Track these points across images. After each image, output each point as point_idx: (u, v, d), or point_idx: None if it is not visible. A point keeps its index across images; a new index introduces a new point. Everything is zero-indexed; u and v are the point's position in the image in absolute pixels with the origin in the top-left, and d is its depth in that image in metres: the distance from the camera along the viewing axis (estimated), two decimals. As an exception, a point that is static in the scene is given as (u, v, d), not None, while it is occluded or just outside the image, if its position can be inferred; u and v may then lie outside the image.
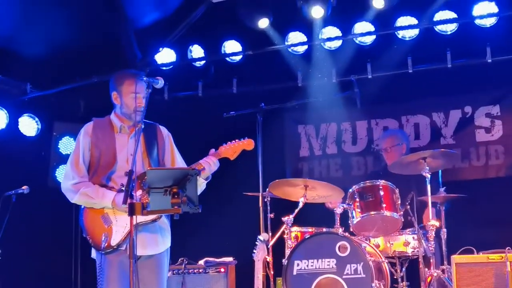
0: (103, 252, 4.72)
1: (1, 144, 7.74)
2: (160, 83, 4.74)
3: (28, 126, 8.22)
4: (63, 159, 8.46)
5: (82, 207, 4.89)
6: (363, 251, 6.13)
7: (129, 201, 4.13)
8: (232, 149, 5.00)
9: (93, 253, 4.88)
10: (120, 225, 4.72)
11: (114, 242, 4.71)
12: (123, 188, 4.39)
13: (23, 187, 6.88)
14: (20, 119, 8.14)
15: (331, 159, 8.59)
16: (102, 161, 4.86)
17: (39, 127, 8.30)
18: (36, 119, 8.29)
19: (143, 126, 4.70)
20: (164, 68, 8.45)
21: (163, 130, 5.08)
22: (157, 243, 4.84)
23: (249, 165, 7.44)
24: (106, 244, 4.69)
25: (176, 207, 4.11)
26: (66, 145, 8.55)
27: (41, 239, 7.97)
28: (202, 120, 8.46)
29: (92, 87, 8.30)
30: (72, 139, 8.55)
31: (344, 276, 6.09)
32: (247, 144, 5.06)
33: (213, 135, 8.21)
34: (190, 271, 6.74)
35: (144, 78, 4.70)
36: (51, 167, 8.41)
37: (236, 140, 5.04)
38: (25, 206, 7.10)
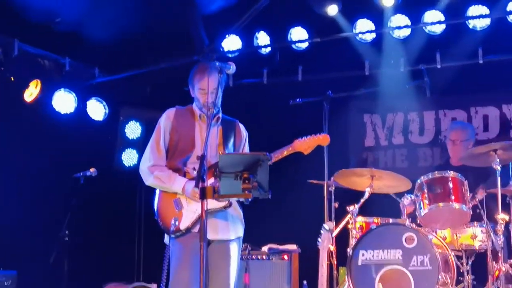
0: (172, 235, 4.76)
1: (70, 127, 7.85)
2: (232, 68, 4.76)
3: (96, 110, 8.31)
4: (129, 143, 8.58)
5: (157, 191, 4.95)
6: (430, 243, 6.04)
7: (200, 185, 4.14)
8: (307, 143, 4.97)
9: (166, 238, 4.93)
10: (190, 210, 4.76)
11: (182, 226, 4.75)
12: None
13: (91, 170, 6.98)
14: (88, 103, 8.24)
15: (397, 149, 8.48)
16: (180, 146, 4.92)
17: (107, 111, 8.38)
18: (104, 103, 8.38)
19: (220, 115, 4.87)
20: (230, 55, 8.44)
21: (242, 128, 5.14)
22: (228, 229, 4.86)
23: (314, 153, 7.41)
24: (175, 228, 4.72)
25: (246, 192, 4.10)
26: (132, 129, 8.64)
27: (106, 221, 8.09)
28: (266, 107, 8.43)
29: (158, 73, 8.36)
30: (138, 123, 8.63)
31: (410, 268, 6.01)
32: (323, 139, 5.02)
33: (278, 122, 8.28)
34: (253, 257, 6.74)
35: (217, 63, 4.73)
36: (117, 151, 8.51)
37: (312, 135, 4.99)
38: (92, 188, 7.20)
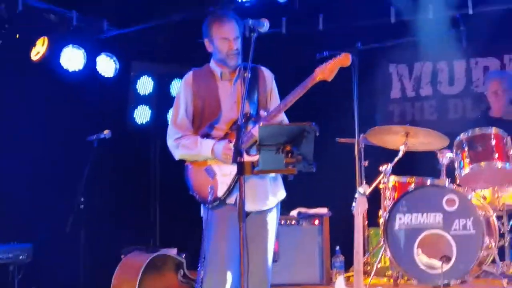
0: (210, 206, 4.40)
1: (79, 85, 7.40)
2: (265, 25, 4.35)
3: (106, 66, 7.81)
4: (141, 99, 8.15)
5: (187, 165, 4.57)
6: (473, 205, 5.68)
7: (238, 159, 3.73)
8: (328, 68, 4.45)
9: (202, 211, 4.56)
10: (224, 174, 4.40)
11: (220, 193, 4.40)
12: (229, 140, 4.27)
13: (104, 132, 6.57)
14: (98, 59, 7.74)
15: (425, 101, 8.04)
16: (206, 112, 4.53)
17: (117, 67, 7.89)
18: (114, 58, 7.87)
19: (249, 75, 4.27)
20: (246, 4, 7.91)
21: (266, 72, 4.68)
22: (267, 197, 4.49)
23: (341, 109, 7.00)
24: (212, 197, 4.38)
25: (290, 167, 3.68)
26: (144, 85, 8.18)
27: (121, 184, 7.73)
28: (287, 59, 7.94)
29: (171, 25, 7.87)
30: (149, 78, 8.18)
31: (452, 232, 5.68)
32: (343, 59, 4.47)
33: (300, 75, 7.78)
34: (282, 222, 6.30)
35: (250, 21, 4.31)
36: (130, 108, 8.07)
37: (333, 58, 4.53)
38: (106, 150, 6.80)
